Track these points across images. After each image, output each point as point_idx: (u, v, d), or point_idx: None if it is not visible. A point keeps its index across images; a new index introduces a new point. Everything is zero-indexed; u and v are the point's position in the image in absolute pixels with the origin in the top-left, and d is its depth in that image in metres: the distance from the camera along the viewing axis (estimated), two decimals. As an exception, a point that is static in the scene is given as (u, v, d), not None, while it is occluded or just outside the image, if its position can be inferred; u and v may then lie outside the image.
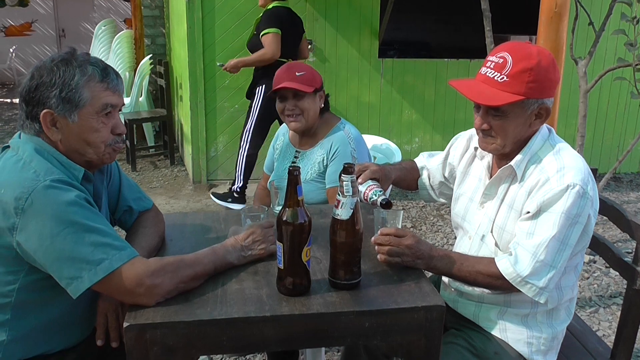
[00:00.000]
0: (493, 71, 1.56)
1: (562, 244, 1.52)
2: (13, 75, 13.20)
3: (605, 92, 5.56)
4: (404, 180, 2.04)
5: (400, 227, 1.66)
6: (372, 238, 1.62)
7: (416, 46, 7.52)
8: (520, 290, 1.54)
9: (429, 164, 2.06)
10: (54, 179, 1.39)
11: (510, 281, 1.54)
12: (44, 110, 1.47)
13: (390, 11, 5.17)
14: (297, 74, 2.29)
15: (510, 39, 6.35)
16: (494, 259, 1.59)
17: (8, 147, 1.53)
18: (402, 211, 1.69)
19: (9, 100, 10.92)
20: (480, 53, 4.84)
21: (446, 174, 1.98)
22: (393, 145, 2.89)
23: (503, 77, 1.53)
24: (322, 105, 2.37)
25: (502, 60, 1.55)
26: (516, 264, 1.54)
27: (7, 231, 1.37)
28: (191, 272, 1.45)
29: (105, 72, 1.52)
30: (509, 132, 1.59)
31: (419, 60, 5.56)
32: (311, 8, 5.10)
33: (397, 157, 2.80)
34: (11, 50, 13.09)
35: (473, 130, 1.81)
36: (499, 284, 1.57)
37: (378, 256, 1.60)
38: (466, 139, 1.88)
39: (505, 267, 1.55)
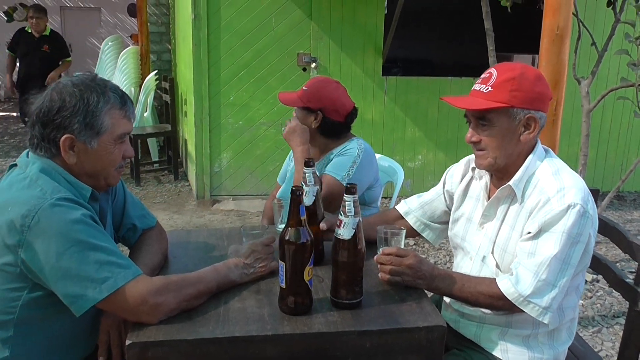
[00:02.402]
0: (480, 85, 1.62)
1: (564, 264, 1.53)
2: (20, 89, 13.27)
3: (608, 112, 5.57)
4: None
5: (402, 246, 1.67)
6: (375, 257, 1.63)
7: (420, 64, 7.57)
8: (523, 310, 1.54)
9: (415, 202, 2.00)
10: (60, 197, 1.41)
11: (512, 301, 1.54)
12: (66, 135, 1.48)
13: (395, 29, 5.21)
14: (304, 88, 2.35)
15: (514, 57, 6.39)
16: (495, 279, 1.60)
17: (15, 165, 1.55)
18: (404, 230, 1.70)
19: (15, 114, 10.99)
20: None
21: (448, 203, 1.94)
22: (396, 164, 2.90)
23: (488, 88, 1.59)
24: (315, 126, 2.33)
25: (488, 74, 1.62)
26: (517, 284, 1.54)
27: (12, 248, 1.39)
28: (194, 291, 1.46)
29: (124, 99, 1.55)
30: (496, 144, 1.61)
31: (423, 78, 5.59)
32: (316, 26, 5.15)
33: (400, 175, 2.81)
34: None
35: (471, 156, 1.83)
36: (500, 305, 1.58)
37: (379, 274, 1.61)
38: (464, 164, 1.89)
39: (507, 287, 1.55)
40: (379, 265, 1.61)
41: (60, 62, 6.99)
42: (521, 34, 6.56)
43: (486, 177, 1.77)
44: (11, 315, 1.45)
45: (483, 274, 1.71)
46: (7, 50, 7.01)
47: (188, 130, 5.69)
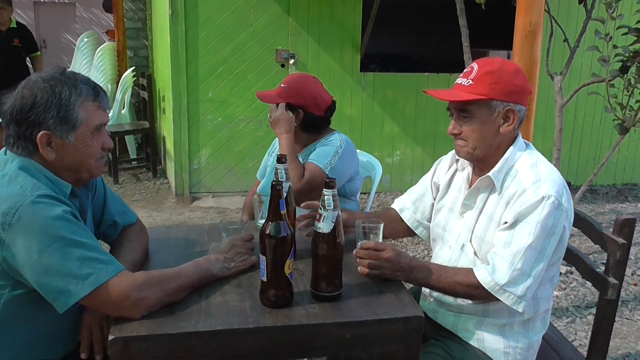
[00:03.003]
0: (462, 79, 1.69)
1: (539, 254, 1.57)
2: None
3: (581, 107, 5.69)
4: (390, 231, 2.02)
5: (380, 239, 1.70)
6: (354, 251, 1.66)
7: (397, 60, 7.62)
8: (499, 298, 1.59)
9: (408, 199, 2.03)
10: (40, 194, 1.41)
11: (488, 290, 1.58)
12: (42, 132, 1.47)
13: (372, 25, 5.25)
14: (282, 85, 2.37)
15: (489, 53, 6.47)
16: (472, 269, 1.64)
17: None
18: (382, 224, 1.73)
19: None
20: (460, 67, 4.93)
21: (434, 195, 1.98)
22: (374, 159, 2.93)
23: (469, 81, 1.65)
24: (297, 123, 2.36)
25: (470, 69, 1.68)
26: (494, 273, 1.58)
27: None
28: (175, 285, 1.48)
29: (96, 90, 1.55)
30: (477, 134, 1.66)
31: (400, 74, 5.64)
32: (294, 22, 5.16)
33: (378, 170, 2.84)
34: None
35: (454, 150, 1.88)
36: (477, 294, 1.62)
37: (359, 268, 1.64)
38: (450, 156, 1.94)
39: (484, 276, 1.59)
40: (358, 259, 1.64)
41: (28, 58, 6.40)
42: (496, 30, 6.65)
43: (468, 169, 1.82)
44: None
45: (461, 262, 1.75)
46: None
47: (166, 127, 5.67)
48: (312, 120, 2.37)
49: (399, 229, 2.04)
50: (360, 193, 2.67)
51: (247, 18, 5.11)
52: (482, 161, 1.72)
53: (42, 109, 1.47)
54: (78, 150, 1.52)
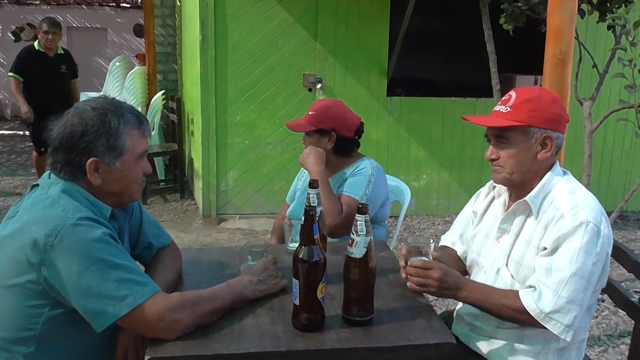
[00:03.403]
0: (500, 106, 1.72)
1: (585, 281, 1.56)
2: (26, 108, 13.39)
3: (611, 132, 5.62)
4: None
5: (430, 257, 1.69)
6: (403, 270, 1.70)
7: (423, 85, 7.64)
8: (546, 326, 1.57)
9: (456, 233, 2.04)
10: (81, 217, 1.46)
11: (534, 317, 1.58)
12: (91, 159, 1.53)
13: (399, 50, 5.29)
14: (310, 112, 2.40)
15: (516, 79, 6.46)
16: (518, 292, 1.63)
17: (37, 185, 1.60)
18: (432, 242, 1.72)
19: (21, 133, 11.09)
20: (487, 92, 4.94)
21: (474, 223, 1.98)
22: (402, 183, 2.94)
23: (507, 109, 1.68)
24: (330, 147, 2.40)
25: (508, 96, 1.72)
26: (539, 300, 1.58)
27: (35, 266, 1.43)
28: (209, 308, 1.51)
29: (140, 119, 1.61)
30: (514, 160, 1.68)
31: (427, 98, 5.66)
32: (321, 47, 5.23)
33: (407, 195, 2.85)
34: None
35: (492, 180, 1.89)
36: (524, 319, 1.61)
37: (408, 284, 1.68)
38: (488, 186, 1.95)
39: (529, 302, 1.59)
40: (407, 277, 1.68)
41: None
42: (524, 55, 6.64)
43: (505, 195, 1.83)
44: (32, 331, 1.48)
45: (497, 285, 1.75)
46: (10, 74, 5.73)
47: (195, 149, 5.75)
48: (343, 143, 2.40)
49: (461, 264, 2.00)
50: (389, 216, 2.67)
51: (276, 43, 5.19)
52: (519, 187, 1.73)
53: (93, 137, 1.53)
54: (123, 176, 1.59)
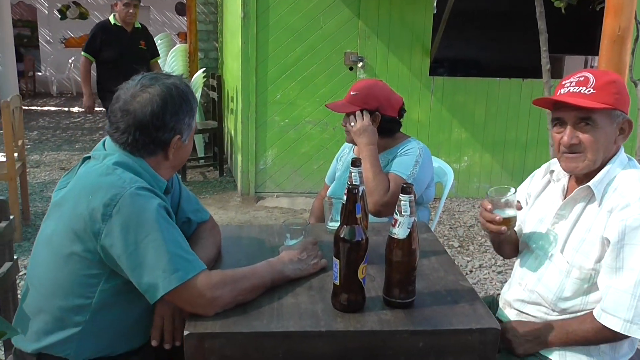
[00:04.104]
0: (577, 87, 1.59)
1: None
2: (71, 85, 13.71)
3: (664, 115, 5.40)
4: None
5: (515, 208, 1.65)
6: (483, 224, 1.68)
7: (467, 64, 7.49)
8: (635, 336, 1.51)
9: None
10: (140, 187, 1.48)
11: (620, 332, 1.51)
12: (177, 136, 1.59)
13: (443, 29, 5.17)
14: (352, 93, 2.35)
15: (565, 59, 6.25)
16: (591, 313, 1.57)
17: (89, 157, 1.61)
18: (514, 191, 1.65)
19: (66, 109, 11.35)
20: (533, 73, 4.79)
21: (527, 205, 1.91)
22: (445, 165, 2.88)
23: (590, 90, 1.57)
24: (376, 127, 2.33)
25: (583, 78, 1.60)
26: (617, 311, 1.50)
27: (92, 236, 1.45)
28: (249, 285, 1.50)
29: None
30: (599, 145, 1.58)
31: (470, 78, 5.53)
32: (363, 25, 5.15)
33: (450, 176, 2.78)
34: (70, 61, 13.61)
35: (552, 160, 1.82)
36: (609, 335, 1.55)
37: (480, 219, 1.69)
38: (544, 168, 1.87)
39: (609, 319, 1.52)
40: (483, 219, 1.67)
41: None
42: (571, 35, 6.41)
43: (564, 180, 1.75)
44: (89, 299, 1.51)
45: (549, 272, 1.69)
46: (83, 54, 5.21)
47: (234, 127, 5.77)
48: (387, 122, 2.34)
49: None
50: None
51: (317, 21, 5.13)
52: (587, 173, 1.64)
53: (182, 116, 1.59)
54: (187, 150, 1.68)
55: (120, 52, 5.16)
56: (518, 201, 1.65)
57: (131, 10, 5.15)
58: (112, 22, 5.24)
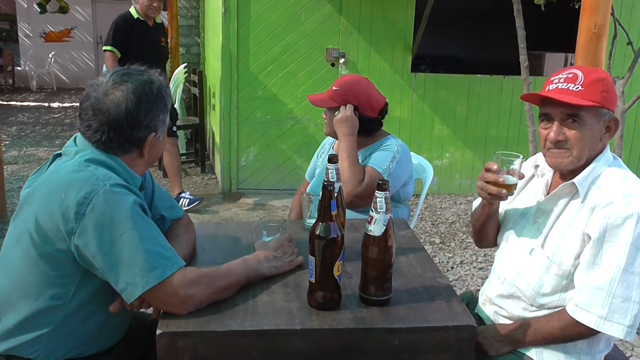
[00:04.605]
0: (565, 83, 1.59)
1: (637, 277, 1.48)
2: (51, 80, 13.54)
3: (642, 113, 5.46)
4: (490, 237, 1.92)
5: (517, 176, 1.63)
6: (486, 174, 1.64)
7: (449, 61, 7.51)
8: (607, 332, 1.50)
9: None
10: (113, 184, 1.44)
11: (594, 327, 1.51)
12: (152, 134, 1.56)
13: (425, 26, 5.17)
14: (334, 88, 2.34)
15: (545, 56, 6.28)
16: (562, 310, 1.58)
17: (60, 155, 1.57)
18: (522, 160, 1.64)
19: (46, 105, 11.20)
20: (514, 70, 4.80)
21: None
22: (425, 162, 2.87)
23: (578, 87, 1.57)
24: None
25: (572, 75, 1.60)
26: (591, 307, 1.50)
27: (66, 235, 1.41)
28: (224, 283, 1.48)
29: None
30: (585, 142, 1.58)
31: (452, 75, 5.54)
32: (345, 22, 5.13)
33: (429, 173, 2.78)
34: (50, 55, 13.44)
35: (537, 155, 1.82)
36: (581, 331, 1.55)
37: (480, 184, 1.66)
38: (531, 162, 1.86)
39: (582, 314, 1.52)
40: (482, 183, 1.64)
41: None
42: (552, 32, 6.45)
43: (548, 175, 1.75)
44: (62, 300, 1.48)
45: (529, 266, 1.68)
46: (110, 48, 4.57)
47: (216, 123, 5.73)
48: (365, 122, 2.33)
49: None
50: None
51: (299, 17, 5.11)
52: (572, 169, 1.64)
53: (157, 113, 1.55)
54: (161, 146, 1.65)
55: (143, 48, 4.60)
56: (521, 172, 1.65)
57: (155, 4, 4.68)
58: (135, 15, 4.70)
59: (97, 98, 1.51)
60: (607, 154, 1.65)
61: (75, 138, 1.58)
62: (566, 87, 1.58)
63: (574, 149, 1.59)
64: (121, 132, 1.51)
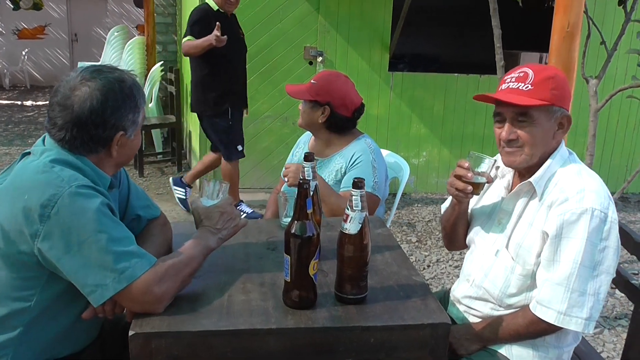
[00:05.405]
0: (516, 83, 1.61)
1: (593, 270, 1.51)
2: (25, 77, 13.31)
3: (615, 112, 5.55)
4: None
5: (490, 173, 1.67)
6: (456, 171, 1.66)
7: (426, 60, 7.54)
8: (567, 327, 1.53)
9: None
10: (79, 185, 1.40)
11: (554, 323, 1.53)
12: (119, 133, 1.50)
13: (402, 25, 5.19)
14: (312, 81, 2.35)
15: (521, 55, 6.35)
16: (525, 308, 1.60)
17: (29, 153, 1.53)
18: (495, 163, 1.68)
19: (19, 103, 11.01)
20: (490, 69, 4.84)
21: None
22: (402, 160, 2.88)
23: (528, 86, 1.58)
24: (322, 121, 2.35)
25: (523, 73, 1.61)
26: (551, 303, 1.53)
27: (29, 237, 1.37)
28: (189, 270, 1.48)
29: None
30: (536, 141, 1.60)
31: (429, 74, 5.57)
32: (323, 20, 5.13)
33: (406, 171, 2.79)
34: (24, 53, 13.22)
35: (495, 157, 1.82)
36: (544, 328, 1.58)
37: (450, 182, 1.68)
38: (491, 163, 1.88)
39: (542, 311, 1.55)
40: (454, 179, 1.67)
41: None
42: (528, 32, 6.52)
43: (509, 175, 1.77)
44: (27, 302, 1.44)
45: (495, 267, 1.70)
46: (186, 39, 4.31)
47: (192, 122, 5.68)
48: (337, 120, 2.33)
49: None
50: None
51: (276, 15, 5.08)
52: (528, 168, 1.66)
53: (124, 112, 1.50)
54: (133, 146, 1.59)
55: (225, 44, 4.14)
56: (490, 176, 1.67)
57: None
58: (215, 7, 4.29)
59: (64, 94, 1.46)
60: (563, 149, 1.67)
61: (44, 137, 1.54)
62: (517, 87, 1.60)
63: (525, 147, 1.61)
64: (85, 131, 1.46)
